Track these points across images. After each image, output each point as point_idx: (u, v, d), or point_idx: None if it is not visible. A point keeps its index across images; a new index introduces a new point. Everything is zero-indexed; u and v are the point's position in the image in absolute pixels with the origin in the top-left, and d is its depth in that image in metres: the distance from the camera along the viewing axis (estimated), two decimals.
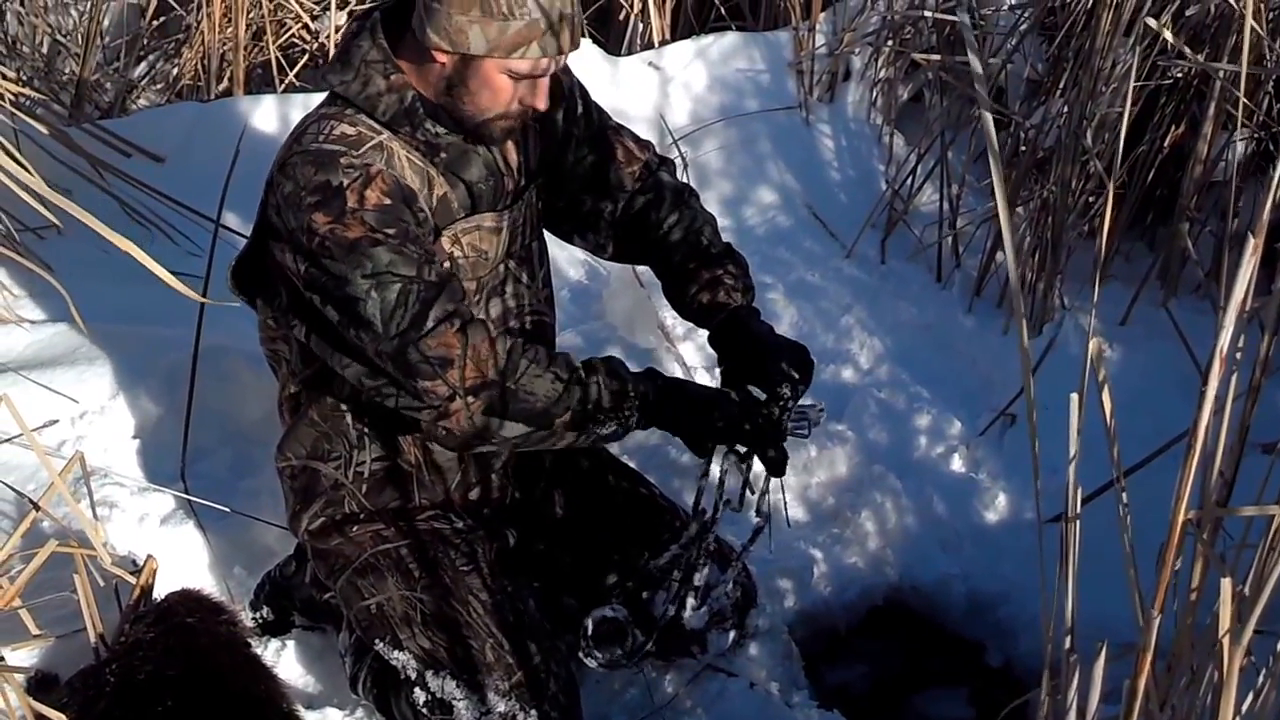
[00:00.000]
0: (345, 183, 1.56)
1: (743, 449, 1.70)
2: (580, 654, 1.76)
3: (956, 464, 2.36)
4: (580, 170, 1.81)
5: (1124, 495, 1.23)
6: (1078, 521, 1.22)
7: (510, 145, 1.70)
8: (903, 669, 2.13)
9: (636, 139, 1.86)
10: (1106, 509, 1.36)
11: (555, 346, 1.88)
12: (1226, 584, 1.11)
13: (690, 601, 1.76)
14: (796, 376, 1.69)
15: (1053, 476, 1.36)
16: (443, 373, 1.57)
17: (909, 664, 2.14)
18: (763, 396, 1.68)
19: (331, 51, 2.95)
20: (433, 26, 1.56)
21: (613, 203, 1.83)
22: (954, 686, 2.10)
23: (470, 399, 1.58)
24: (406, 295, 1.55)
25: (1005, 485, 2.31)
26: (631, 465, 2.07)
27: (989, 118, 1.21)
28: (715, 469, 1.74)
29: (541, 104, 1.62)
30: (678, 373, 2.44)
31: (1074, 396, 1.18)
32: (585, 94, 1.83)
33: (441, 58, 1.58)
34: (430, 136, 1.62)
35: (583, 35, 1.62)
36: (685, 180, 2.83)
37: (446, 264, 1.65)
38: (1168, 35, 1.93)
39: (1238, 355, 1.17)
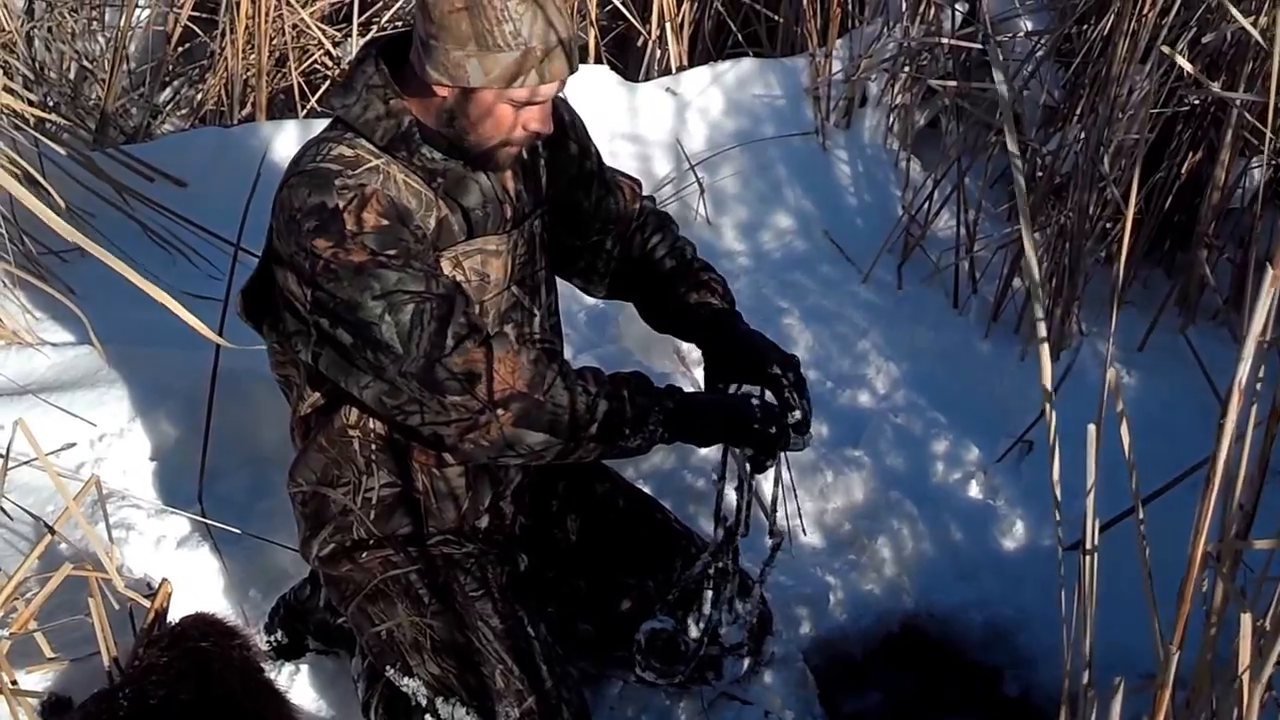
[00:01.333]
0: (341, 205, 1.56)
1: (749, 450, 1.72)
2: (636, 669, 1.76)
3: (974, 490, 2.35)
4: (592, 208, 1.85)
5: (1142, 526, 1.22)
6: (1095, 554, 1.21)
7: (509, 173, 1.72)
8: (919, 697, 2.10)
9: (625, 174, 1.93)
10: (1125, 536, 1.35)
11: None
12: (1246, 619, 1.09)
13: (720, 616, 1.77)
14: (786, 374, 1.72)
15: (1069, 504, 1.35)
16: (471, 388, 1.57)
17: (926, 692, 2.11)
18: (756, 390, 1.71)
19: None
20: (431, 63, 1.57)
21: (621, 238, 1.88)
22: (971, 716, 2.08)
23: (500, 411, 1.58)
24: (420, 314, 1.56)
25: (1023, 512, 2.29)
26: (646, 490, 2.07)
27: (1015, 149, 1.21)
28: (732, 465, 1.76)
29: (545, 128, 1.63)
30: None
31: (1092, 428, 1.17)
32: (587, 133, 1.86)
33: (442, 91, 1.59)
34: (427, 162, 1.63)
35: (580, 59, 1.64)
36: (702, 204, 2.89)
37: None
38: (1185, 64, 1.92)
39: (1257, 386, 1.16)
